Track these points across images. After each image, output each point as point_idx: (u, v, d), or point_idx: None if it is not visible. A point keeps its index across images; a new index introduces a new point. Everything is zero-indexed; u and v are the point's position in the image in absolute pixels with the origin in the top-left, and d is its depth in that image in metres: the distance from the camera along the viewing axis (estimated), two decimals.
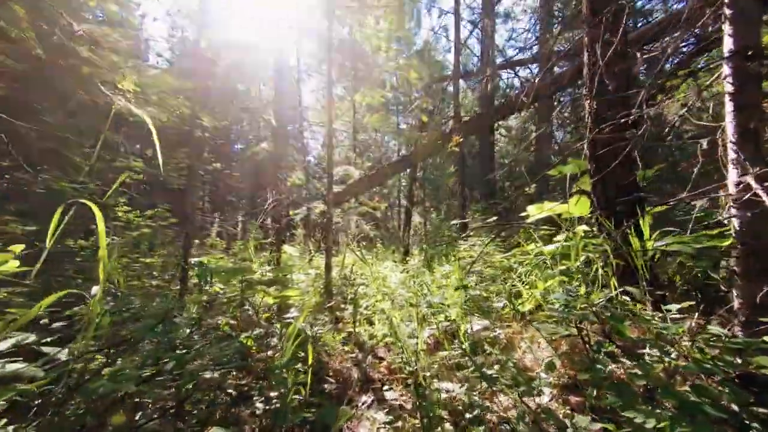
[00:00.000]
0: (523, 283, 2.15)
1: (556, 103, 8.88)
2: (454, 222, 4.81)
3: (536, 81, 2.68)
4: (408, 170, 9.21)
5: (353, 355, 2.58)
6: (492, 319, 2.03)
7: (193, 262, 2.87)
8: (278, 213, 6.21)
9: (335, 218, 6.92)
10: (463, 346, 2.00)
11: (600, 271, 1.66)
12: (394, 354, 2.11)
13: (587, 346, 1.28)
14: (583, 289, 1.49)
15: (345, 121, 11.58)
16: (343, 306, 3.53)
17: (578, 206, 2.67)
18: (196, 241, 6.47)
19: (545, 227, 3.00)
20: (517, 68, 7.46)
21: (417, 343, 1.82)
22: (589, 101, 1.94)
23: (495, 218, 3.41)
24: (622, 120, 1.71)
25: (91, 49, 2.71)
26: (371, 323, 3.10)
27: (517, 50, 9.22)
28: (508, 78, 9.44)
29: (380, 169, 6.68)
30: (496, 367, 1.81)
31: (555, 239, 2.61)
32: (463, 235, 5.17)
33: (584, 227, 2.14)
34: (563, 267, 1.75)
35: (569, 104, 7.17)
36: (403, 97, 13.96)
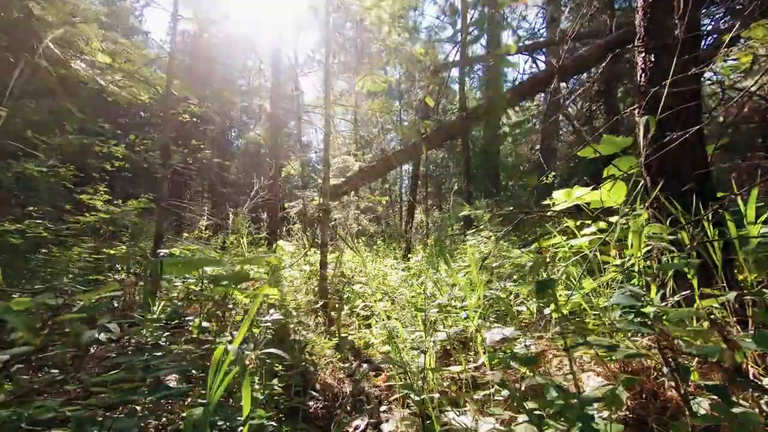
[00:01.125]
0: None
1: (564, 94, 8.45)
2: (462, 213, 4.42)
3: (565, 47, 2.26)
4: (411, 161, 8.81)
5: (345, 365, 2.20)
6: (516, 326, 1.63)
7: (162, 255, 2.49)
8: (272, 206, 5.81)
9: (334, 213, 6.52)
10: (481, 360, 1.62)
11: (658, 266, 1.26)
12: (394, 370, 1.72)
13: (675, 375, 0.88)
14: (653, 292, 1.10)
15: (345, 109, 11.18)
16: (337, 306, 3.15)
17: (613, 192, 2.27)
18: (185, 234, 6.09)
19: (569, 220, 2.61)
20: (532, 52, 7.05)
21: (424, 360, 1.42)
22: (644, 54, 1.52)
23: (512, 209, 3.00)
24: (691, 72, 1.31)
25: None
26: (369, 326, 2.73)
27: (526, 36, 8.79)
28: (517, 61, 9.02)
29: (382, 159, 6.27)
30: (519, 386, 1.43)
31: (583, 232, 2.21)
32: (471, 231, 4.78)
33: (616, 218, 1.75)
34: (618, 261, 1.35)
35: (583, 93, 6.75)
36: (405, 95, 13.58)
